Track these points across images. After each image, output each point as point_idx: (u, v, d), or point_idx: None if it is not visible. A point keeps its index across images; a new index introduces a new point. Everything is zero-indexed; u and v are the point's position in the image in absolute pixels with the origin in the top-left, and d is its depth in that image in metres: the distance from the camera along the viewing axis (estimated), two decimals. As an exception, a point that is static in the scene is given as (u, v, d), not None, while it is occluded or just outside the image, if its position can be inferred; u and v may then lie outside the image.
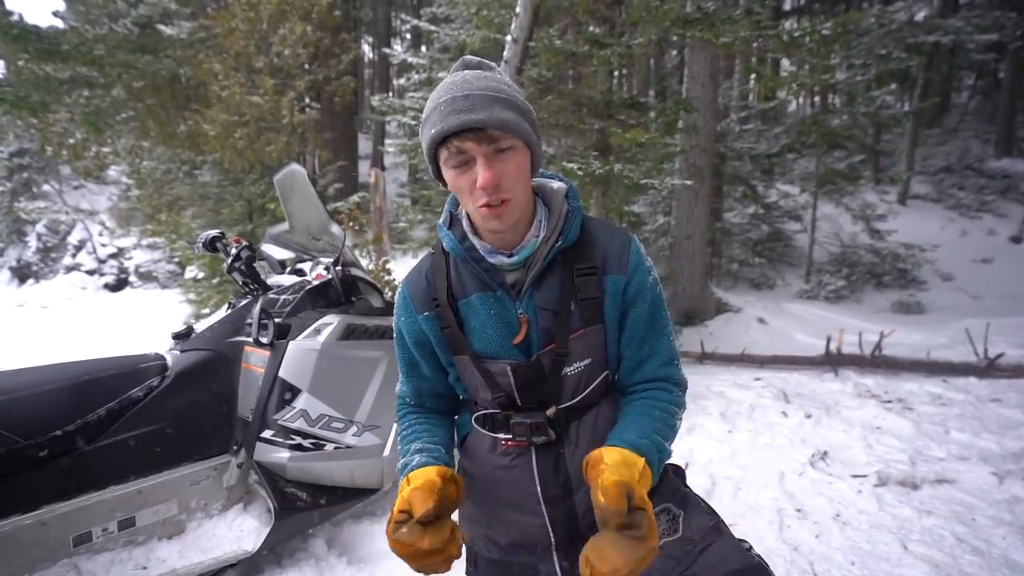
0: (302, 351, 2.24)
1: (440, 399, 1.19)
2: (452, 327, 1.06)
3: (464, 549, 1.24)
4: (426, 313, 1.08)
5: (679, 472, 1.19)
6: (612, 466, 0.88)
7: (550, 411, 1.04)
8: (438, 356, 1.13)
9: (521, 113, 0.95)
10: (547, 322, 1.03)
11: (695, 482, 2.87)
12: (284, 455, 2.17)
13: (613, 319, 1.06)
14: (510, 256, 1.01)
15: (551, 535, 1.08)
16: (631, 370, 1.09)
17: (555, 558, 1.09)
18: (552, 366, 1.03)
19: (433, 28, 6.06)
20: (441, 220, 1.09)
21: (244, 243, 2.43)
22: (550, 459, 1.07)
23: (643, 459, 0.93)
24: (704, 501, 1.11)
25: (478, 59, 1.01)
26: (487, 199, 0.93)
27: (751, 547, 1.00)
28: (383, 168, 13.17)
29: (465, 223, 1.04)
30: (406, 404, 1.21)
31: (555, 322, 1.02)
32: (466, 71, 0.98)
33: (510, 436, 1.07)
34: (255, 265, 2.47)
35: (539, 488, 1.07)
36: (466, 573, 1.24)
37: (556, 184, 1.09)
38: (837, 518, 2.56)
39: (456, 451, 1.22)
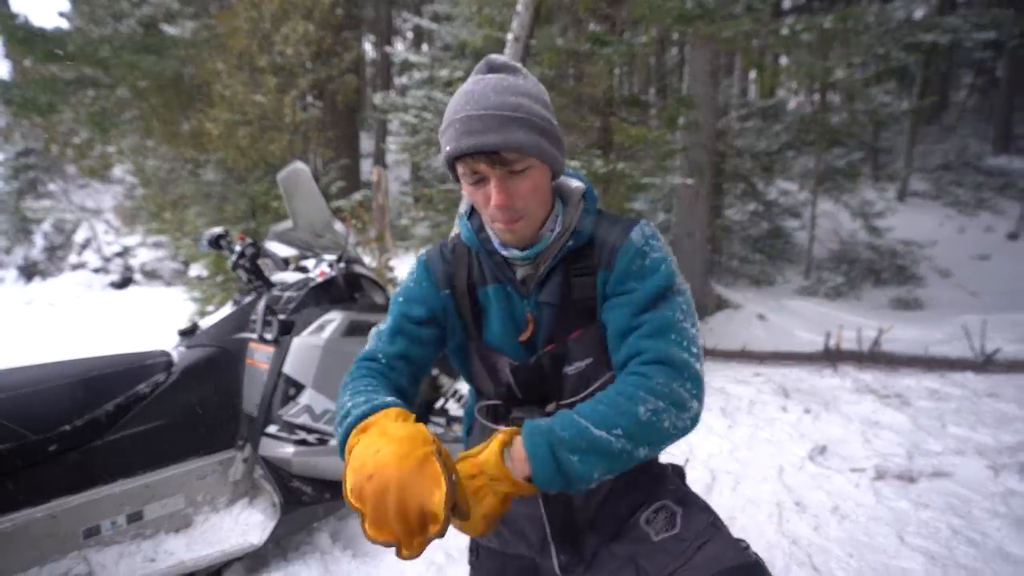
0: (306, 347, 2.26)
1: (416, 370, 1.09)
2: (468, 314, 1.08)
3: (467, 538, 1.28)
4: (446, 291, 1.09)
5: (678, 470, 1.20)
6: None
7: (550, 407, 1.05)
8: (442, 332, 1.11)
9: (538, 131, 0.93)
10: (550, 321, 1.04)
11: (695, 476, 2.90)
12: (289, 450, 2.19)
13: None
14: (523, 250, 1.02)
15: (547, 528, 1.09)
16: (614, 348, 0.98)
17: (553, 552, 1.10)
18: (552, 365, 1.04)
19: (434, 26, 6.08)
20: (462, 209, 1.11)
21: (248, 240, 2.44)
22: None
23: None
24: (702, 500, 1.11)
25: (503, 60, 0.99)
26: (501, 217, 0.95)
27: (748, 545, 1.00)
28: (385, 166, 13.18)
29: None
30: (376, 362, 1.07)
31: (556, 322, 1.04)
32: (489, 75, 0.97)
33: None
34: (259, 262, 2.48)
35: None
36: (468, 563, 1.28)
37: (575, 183, 1.09)
38: (835, 511, 2.59)
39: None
